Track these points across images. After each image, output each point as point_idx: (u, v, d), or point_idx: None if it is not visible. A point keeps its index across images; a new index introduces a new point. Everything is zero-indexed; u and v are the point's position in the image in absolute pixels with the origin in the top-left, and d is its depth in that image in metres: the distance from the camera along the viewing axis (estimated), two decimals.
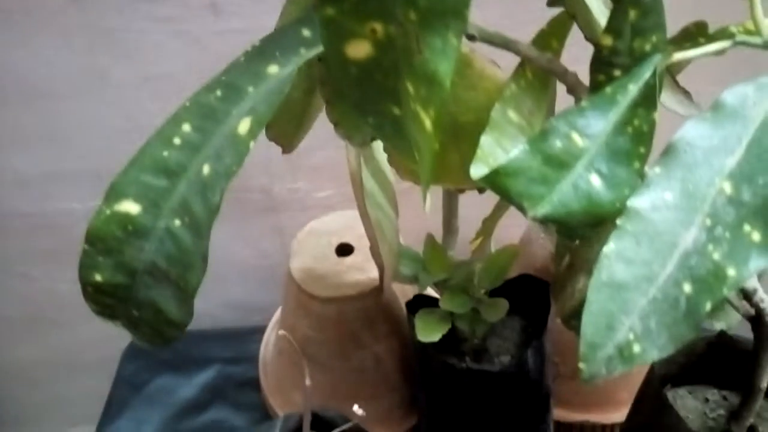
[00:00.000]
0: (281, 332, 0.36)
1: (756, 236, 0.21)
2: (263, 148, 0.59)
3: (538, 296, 0.42)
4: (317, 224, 0.52)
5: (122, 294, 0.30)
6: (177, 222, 0.27)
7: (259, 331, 0.61)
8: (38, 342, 0.77)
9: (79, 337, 0.76)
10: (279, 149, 0.60)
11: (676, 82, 0.33)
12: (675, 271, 0.22)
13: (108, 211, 0.28)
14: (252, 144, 0.27)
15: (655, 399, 0.37)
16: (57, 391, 0.82)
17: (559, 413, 0.52)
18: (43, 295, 0.73)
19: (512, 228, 0.46)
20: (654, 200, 0.23)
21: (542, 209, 0.24)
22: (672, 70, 0.34)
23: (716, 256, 0.21)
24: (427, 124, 0.21)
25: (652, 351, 0.22)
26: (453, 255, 0.42)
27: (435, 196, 0.44)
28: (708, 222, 0.22)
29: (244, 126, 0.26)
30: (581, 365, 0.23)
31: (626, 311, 0.23)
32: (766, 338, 0.32)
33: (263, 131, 0.28)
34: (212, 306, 0.73)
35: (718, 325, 0.40)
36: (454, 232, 0.42)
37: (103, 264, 0.29)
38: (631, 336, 0.22)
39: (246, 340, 0.62)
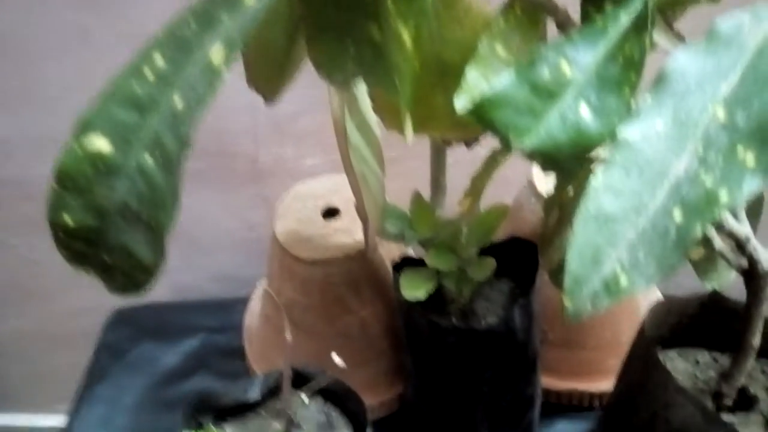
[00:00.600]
0: (264, 287, 0.35)
1: (750, 159, 0.20)
2: (249, 112, 0.58)
3: (527, 259, 0.41)
4: (303, 187, 0.51)
5: (93, 237, 0.28)
6: (148, 158, 0.26)
7: (245, 301, 0.60)
8: (18, 313, 0.76)
9: (60, 308, 0.75)
10: (265, 114, 0.59)
11: (671, 27, 0.32)
12: (665, 201, 0.21)
13: (77, 148, 0.26)
14: (226, 74, 0.26)
15: (644, 358, 0.37)
16: (40, 365, 0.81)
17: (547, 381, 0.51)
18: (23, 264, 0.71)
19: (503, 195, 0.45)
20: (644, 130, 0.22)
21: (529, 141, 0.23)
22: (667, 17, 0.33)
23: (708, 182, 0.20)
24: (407, 41, 0.20)
25: (640, 282, 0.21)
26: (441, 215, 0.41)
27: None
28: (700, 149, 0.21)
29: (217, 55, 0.25)
30: (566, 302, 0.22)
31: (614, 244, 0.22)
32: (760, 292, 0.32)
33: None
34: (200, 279, 0.72)
35: (711, 286, 0.39)
36: (442, 190, 0.41)
37: (72, 205, 0.28)
38: (618, 269, 0.22)
39: (231, 310, 0.61)
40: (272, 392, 0.38)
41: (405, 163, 0.49)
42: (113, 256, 0.29)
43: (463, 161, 0.40)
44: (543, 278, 0.48)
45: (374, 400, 0.52)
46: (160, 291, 0.69)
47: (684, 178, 0.21)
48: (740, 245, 0.30)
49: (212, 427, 0.33)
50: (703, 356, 0.40)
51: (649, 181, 0.21)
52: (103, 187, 0.27)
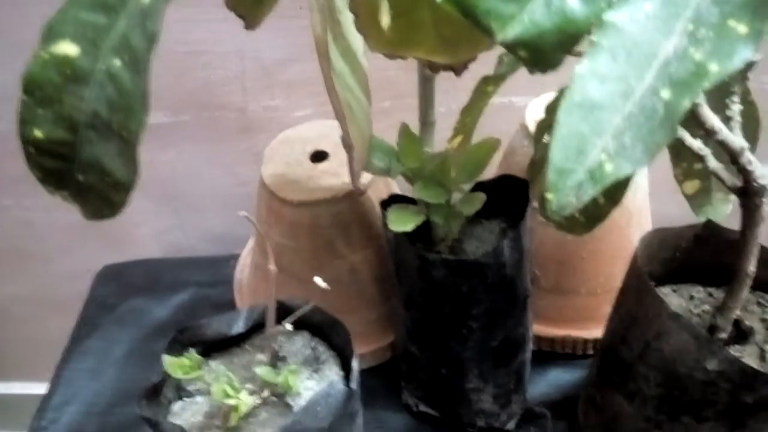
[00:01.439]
0: (242, 213, 0.34)
1: (742, 29, 0.19)
2: (236, 60, 0.57)
3: (519, 197, 0.41)
4: (291, 132, 0.50)
5: (65, 152, 0.27)
6: (117, 62, 0.25)
7: (236, 258, 0.59)
8: (12, 276, 0.75)
9: (56, 271, 0.74)
10: (253, 62, 0.57)
11: None
12: (653, 82, 0.20)
13: (45, 55, 0.25)
14: None
15: (636, 288, 0.36)
16: (36, 331, 0.81)
17: (541, 329, 0.50)
18: (17, 226, 0.71)
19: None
20: (632, 12, 0.21)
21: (512, 30, 0.22)
22: None
23: (698, 56, 0.19)
24: None
25: (626, 167, 0.20)
26: (430, 151, 0.40)
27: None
28: (690, 27, 0.20)
29: None
30: (549, 196, 0.21)
31: (599, 132, 0.21)
32: (755, 211, 0.31)
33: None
34: (191, 239, 0.71)
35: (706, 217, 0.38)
36: (431, 124, 0.40)
37: (42, 117, 0.27)
38: (604, 157, 0.21)
39: (222, 265, 0.60)
40: (257, 327, 0.37)
41: (394, 115, 0.48)
42: (87, 174, 0.28)
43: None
44: (536, 220, 0.47)
45: (365, 348, 0.51)
46: (152, 251, 0.69)
47: (673, 56, 0.20)
48: (734, 159, 0.29)
49: (194, 353, 0.32)
50: (698, 292, 0.39)
51: (637, 64, 0.20)
52: (72, 96, 0.26)
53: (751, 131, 0.36)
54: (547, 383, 0.49)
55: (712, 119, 0.28)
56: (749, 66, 0.29)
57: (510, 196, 0.41)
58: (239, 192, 0.66)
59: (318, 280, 0.31)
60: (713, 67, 0.19)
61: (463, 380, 0.43)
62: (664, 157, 0.39)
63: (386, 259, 0.46)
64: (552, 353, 0.50)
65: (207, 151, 0.62)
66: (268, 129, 0.61)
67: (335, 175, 0.46)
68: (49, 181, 0.29)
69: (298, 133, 0.50)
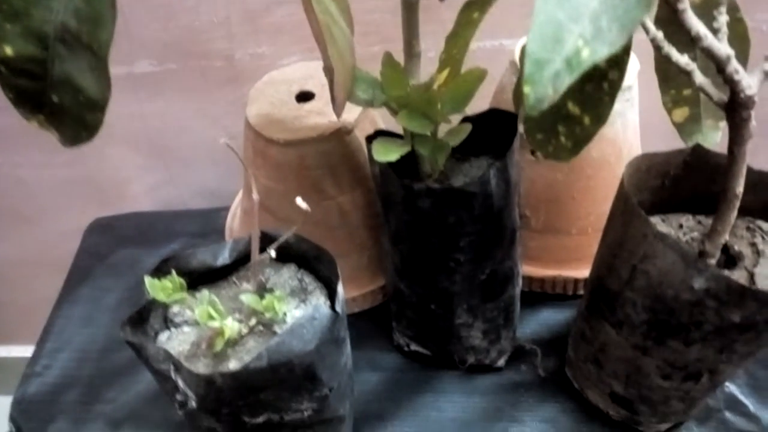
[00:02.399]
0: (223, 140, 0.33)
1: None
2: (222, 5, 0.56)
3: (507, 132, 0.40)
4: (277, 74, 0.49)
5: (37, 70, 0.27)
6: None
7: (227, 209, 0.59)
8: (5, 238, 0.75)
9: (46, 230, 0.74)
10: (239, 6, 0.56)
11: None
12: None
13: None
14: None
15: (623, 212, 0.36)
16: (29, 291, 0.81)
17: (531, 269, 0.50)
18: (8, 184, 0.70)
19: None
20: None
21: None
22: None
23: None
24: None
25: (602, 50, 0.20)
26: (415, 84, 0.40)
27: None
28: None
29: None
30: (526, 89, 0.21)
31: (576, 17, 0.20)
32: (743, 126, 0.30)
33: None
34: (184, 194, 0.71)
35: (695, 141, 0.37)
36: (416, 55, 0.39)
37: (12, 32, 0.26)
38: (581, 43, 0.20)
39: (213, 217, 0.60)
40: (244, 260, 0.37)
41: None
42: (60, 93, 0.28)
43: None
44: (526, 159, 0.47)
45: (357, 292, 0.51)
46: (144, 207, 0.69)
47: None
48: (721, 68, 0.28)
49: (176, 276, 0.32)
50: (687, 220, 0.39)
51: None
52: (40, 8, 0.25)
53: (741, 51, 0.35)
54: (538, 323, 0.49)
55: (698, 26, 0.27)
56: None
57: (499, 134, 0.41)
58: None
59: (299, 201, 0.31)
60: None
61: (453, 316, 0.43)
62: (655, 95, 0.39)
63: (375, 201, 0.46)
64: (543, 294, 0.50)
65: (195, 102, 0.61)
66: (256, 78, 0.60)
67: (321, 114, 0.45)
68: (23, 104, 0.28)
69: (283, 74, 0.49)
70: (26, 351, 0.56)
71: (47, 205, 0.71)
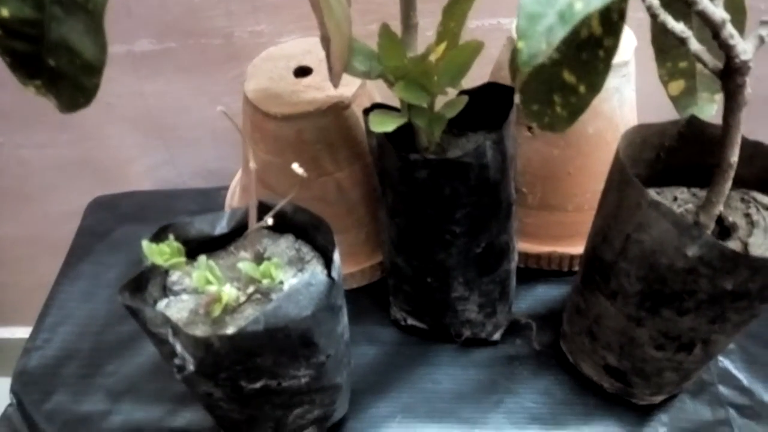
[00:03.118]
0: (220, 108, 0.34)
1: None
2: None
3: (504, 105, 0.40)
4: (275, 50, 0.49)
5: (34, 33, 0.27)
6: None
7: (227, 189, 0.59)
8: (4, 217, 0.76)
9: (47, 210, 0.75)
10: None
11: None
12: None
13: None
14: None
15: (617, 182, 0.36)
16: (30, 271, 0.81)
17: (528, 246, 0.51)
18: (10, 164, 0.71)
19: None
20: None
21: None
22: None
23: None
24: None
25: (595, 1, 0.20)
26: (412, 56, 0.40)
27: None
28: None
29: None
30: (520, 44, 0.21)
31: None
32: (738, 93, 0.30)
33: None
34: (184, 174, 0.71)
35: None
36: (413, 26, 0.39)
37: None
38: None
39: (213, 196, 0.61)
40: (241, 229, 0.37)
41: None
42: (57, 57, 0.28)
43: None
44: (523, 135, 0.47)
45: (355, 268, 0.52)
46: (144, 187, 0.69)
47: None
48: (716, 33, 0.28)
49: (173, 241, 0.33)
50: (682, 192, 0.39)
51: None
52: None
53: (737, 21, 0.35)
54: (534, 298, 0.49)
55: None
56: None
57: (496, 109, 0.41)
58: (229, 125, 0.65)
59: (295, 166, 0.31)
60: None
61: (449, 289, 0.43)
62: (652, 73, 0.39)
63: (373, 177, 0.46)
64: (539, 270, 0.51)
65: (195, 81, 0.61)
66: (254, 56, 0.60)
67: (319, 89, 0.45)
68: (20, 68, 0.29)
69: (282, 50, 0.49)
70: (27, 333, 0.57)
71: (48, 184, 0.72)
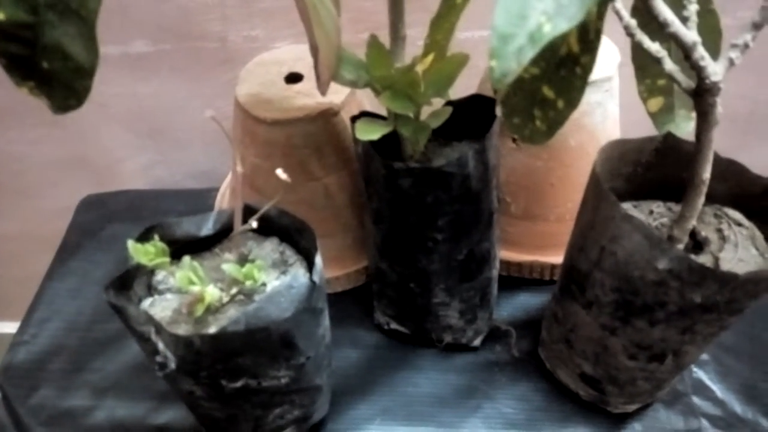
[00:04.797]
0: (208, 112, 0.34)
1: None
2: None
3: (488, 116, 0.41)
4: (268, 55, 0.50)
5: (28, 36, 0.28)
6: None
7: (217, 190, 0.60)
8: (1, 213, 0.76)
9: (38, 207, 0.75)
10: None
11: None
12: None
13: None
14: None
15: (593, 195, 0.37)
16: (21, 267, 0.82)
17: (510, 254, 0.52)
18: (3, 160, 0.71)
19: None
20: None
21: None
22: None
23: None
24: None
25: (563, 25, 0.21)
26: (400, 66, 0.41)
27: None
28: None
29: None
30: (492, 63, 0.22)
31: None
32: (709, 112, 0.31)
33: None
34: (176, 174, 0.72)
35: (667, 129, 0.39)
36: (401, 39, 0.40)
37: None
38: (543, 18, 0.21)
39: (204, 197, 0.61)
40: (227, 231, 0.38)
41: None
42: (50, 60, 0.29)
43: None
44: (507, 146, 0.48)
45: (340, 272, 0.52)
46: (136, 186, 0.70)
47: None
48: (687, 54, 0.29)
49: (159, 242, 0.33)
50: (658, 206, 0.40)
51: None
52: None
53: (712, 41, 0.36)
54: (515, 306, 0.50)
55: (665, 12, 0.28)
56: None
57: (481, 120, 0.42)
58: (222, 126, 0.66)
59: (279, 172, 0.32)
60: None
61: (431, 295, 0.44)
62: (634, 88, 0.40)
63: (360, 183, 0.47)
64: (521, 278, 0.52)
65: (188, 83, 0.62)
66: (248, 60, 0.61)
67: (309, 95, 0.46)
68: (14, 70, 0.29)
69: (274, 56, 0.50)
70: (15, 327, 0.58)
71: (41, 181, 0.72)
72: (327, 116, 0.46)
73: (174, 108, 0.65)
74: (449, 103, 0.41)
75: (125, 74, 0.62)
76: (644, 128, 0.41)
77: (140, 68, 0.61)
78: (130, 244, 0.33)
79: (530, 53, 0.21)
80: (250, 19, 0.58)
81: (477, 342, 0.47)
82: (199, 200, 0.61)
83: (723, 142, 0.37)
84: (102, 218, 0.59)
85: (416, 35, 0.44)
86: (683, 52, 0.29)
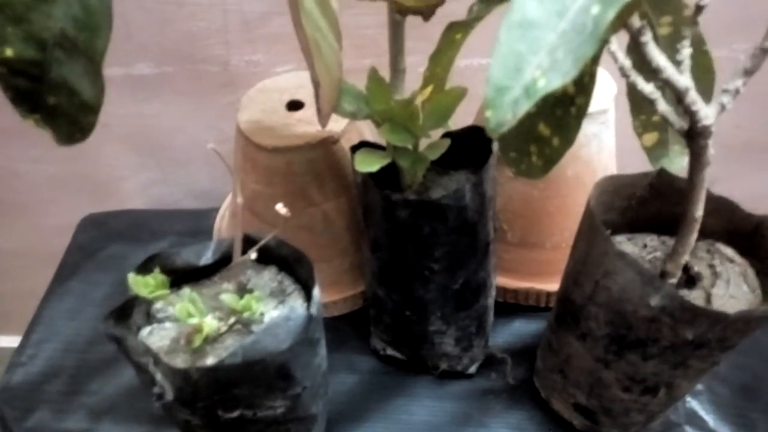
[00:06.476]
0: (210, 145, 0.35)
1: None
2: (219, 12, 0.57)
3: (486, 146, 0.42)
4: (269, 82, 0.51)
5: (36, 72, 0.29)
6: None
7: (217, 210, 0.61)
8: (2, 230, 0.76)
9: (39, 224, 0.75)
10: (235, 15, 0.58)
11: None
12: (585, 0, 0.21)
13: None
14: None
15: (588, 230, 0.37)
16: (21, 283, 0.82)
17: (506, 281, 0.52)
18: (3, 177, 0.72)
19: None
20: None
21: None
22: None
23: None
24: None
25: (557, 80, 0.21)
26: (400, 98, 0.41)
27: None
28: None
29: None
30: (488, 113, 0.23)
31: (535, 49, 0.22)
32: (701, 153, 0.32)
33: None
34: (177, 193, 0.72)
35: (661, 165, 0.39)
36: (401, 71, 0.41)
37: (13, 35, 0.28)
38: (538, 73, 0.22)
39: (204, 217, 0.62)
40: (226, 260, 0.38)
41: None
42: (56, 95, 0.29)
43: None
44: (504, 175, 0.49)
45: (338, 296, 0.53)
46: (136, 205, 0.70)
47: None
48: (680, 99, 0.30)
49: (158, 273, 0.34)
50: (652, 240, 0.41)
51: None
52: (40, 14, 0.27)
53: (706, 83, 0.37)
54: (511, 333, 0.51)
55: (659, 58, 0.29)
56: (699, 9, 0.30)
57: (479, 149, 0.43)
58: (223, 148, 0.66)
59: (279, 207, 0.32)
60: None
61: (427, 323, 0.44)
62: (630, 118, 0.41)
63: (358, 209, 0.47)
64: (517, 305, 0.52)
65: (190, 105, 0.63)
66: (250, 84, 0.61)
67: (310, 123, 0.47)
68: (21, 103, 0.30)
69: (275, 83, 0.51)
70: (14, 342, 0.58)
71: (41, 199, 0.73)
72: (327, 144, 0.46)
73: (176, 128, 0.66)
74: (447, 134, 0.42)
75: (128, 95, 0.63)
76: (641, 157, 0.42)
77: (143, 90, 0.62)
78: (131, 276, 0.33)
79: (525, 106, 0.22)
80: (252, 44, 0.58)
81: (472, 369, 0.47)
82: (199, 221, 0.61)
83: (719, 171, 0.38)
84: (102, 238, 0.59)
85: (417, 62, 0.45)
86: (675, 97, 0.30)
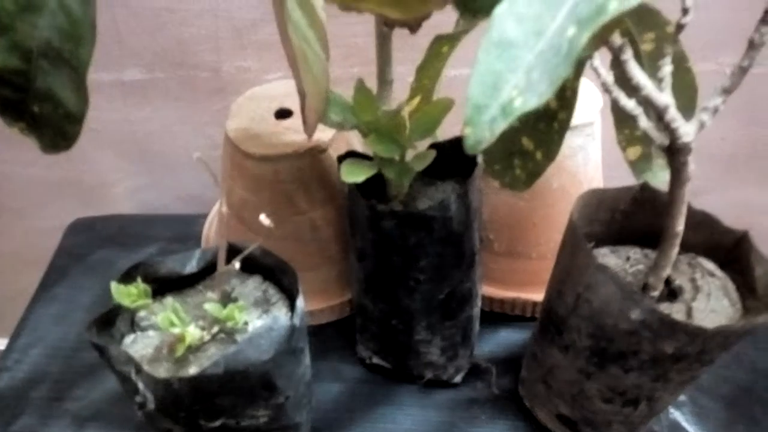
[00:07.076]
0: (196, 154, 0.35)
1: None
2: (210, 19, 0.58)
3: (471, 157, 0.42)
4: (259, 90, 0.51)
5: (20, 82, 0.29)
6: None
7: (206, 216, 0.61)
8: None
9: (28, 227, 0.75)
10: (227, 22, 0.58)
11: None
12: (563, 21, 0.21)
13: None
14: None
15: (571, 243, 0.38)
16: (8, 285, 0.82)
17: (492, 291, 0.52)
18: None
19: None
20: None
21: None
22: None
23: None
24: None
25: (533, 100, 0.22)
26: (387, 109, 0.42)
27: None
28: None
29: None
30: (467, 130, 0.23)
31: (513, 69, 0.22)
32: (681, 169, 0.32)
33: None
34: (166, 198, 0.72)
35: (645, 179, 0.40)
36: (389, 82, 0.41)
37: None
38: (515, 92, 0.22)
39: (192, 223, 0.62)
40: (210, 269, 0.39)
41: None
42: (41, 105, 0.29)
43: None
44: (490, 186, 0.49)
45: (325, 304, 0.53)
46: (125, 209, 0.70)
47: None
48: (660, 116, 0.30)
49: (141, 284, 0.34)
50: (635, 253, 0.41)
51: (551, 5, 0.22)
52: (25, 24, 0.27)
53: (688, 99, 0.37)
54: (496, 343, 0.51)
55: (638, 75, 0.29)
56: (679, 28, 0.30)
57: (465, 160, 0.43)
58: (213, 155, 0.67)
59: (263, 218, 0.33)
60: (613, 5, 0.20)
61: (412, 332, 0.44)
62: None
63: (345, 217, 0.47)
64: (503, 315, 0.52)
65: (181, 111, 0.63)
66: (240, 91, 0.62)
67: (298, 131, 0.47)
68: (5, 113, 0.30)
69: (265, 90, 0.51)
70: (1, 344, 0.58)
71: (30, 202, 0.73)
72: (315, 153, 0.46)
73: (165, 133, 0.66)
74: (434, 145, 0.42)
75: (118, 100, 0.63)
76: (627, 170, 0.42)
77: (134, 95, 0.62)
78: (113, 285, 0.33)
79: (502, 125, 0.22)
80: (242, 51, 0.59)
81: (458, 379, 0.47)
82: (188, 226, 0.61)
83: (704, 184, 0.38)
84: (90, 243, 0.59)
85: (407, 72, 0.45)
86: (656, 114, 0.30)
